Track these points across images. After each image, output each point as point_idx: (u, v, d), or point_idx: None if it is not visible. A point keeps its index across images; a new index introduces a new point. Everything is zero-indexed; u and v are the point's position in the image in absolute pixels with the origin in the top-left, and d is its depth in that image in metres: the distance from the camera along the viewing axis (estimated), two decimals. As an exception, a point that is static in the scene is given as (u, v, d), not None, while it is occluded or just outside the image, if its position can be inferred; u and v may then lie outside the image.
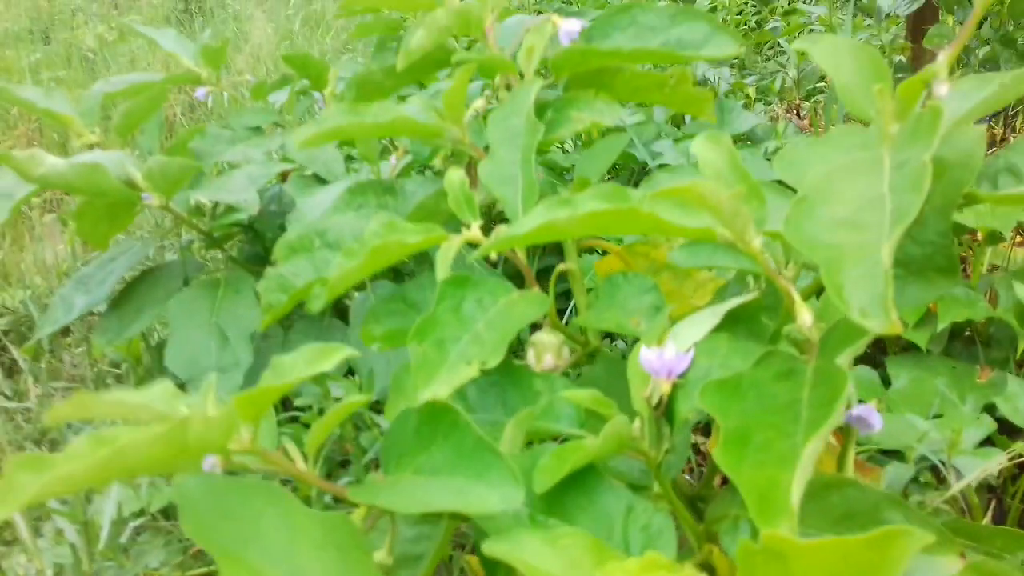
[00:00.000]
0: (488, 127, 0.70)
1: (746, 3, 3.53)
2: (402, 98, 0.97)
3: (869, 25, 2.53)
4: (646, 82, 0.79)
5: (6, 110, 3.45)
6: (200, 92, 1.31)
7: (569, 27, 0.77)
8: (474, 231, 0.61)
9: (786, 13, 3.48)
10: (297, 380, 0.48)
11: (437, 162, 0.82)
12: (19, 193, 0.99)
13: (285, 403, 1.09)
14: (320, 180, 1.26)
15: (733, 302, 0.48)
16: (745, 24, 3.58)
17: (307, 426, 1.00)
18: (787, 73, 2.81)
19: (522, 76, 0.76)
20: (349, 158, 1.51)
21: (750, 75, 2.96)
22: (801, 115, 2.37)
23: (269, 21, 7.02)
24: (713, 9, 3.64)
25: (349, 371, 1.14)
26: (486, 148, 0.72)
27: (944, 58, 0.45)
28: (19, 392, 1.51)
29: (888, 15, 2.03)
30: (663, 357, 0.47)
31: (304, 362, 0.49)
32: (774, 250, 0.48)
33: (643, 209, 0.44)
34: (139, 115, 1.08)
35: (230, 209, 1.13)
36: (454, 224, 0.68)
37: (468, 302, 0.60)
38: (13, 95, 1.05)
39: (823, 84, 2.61)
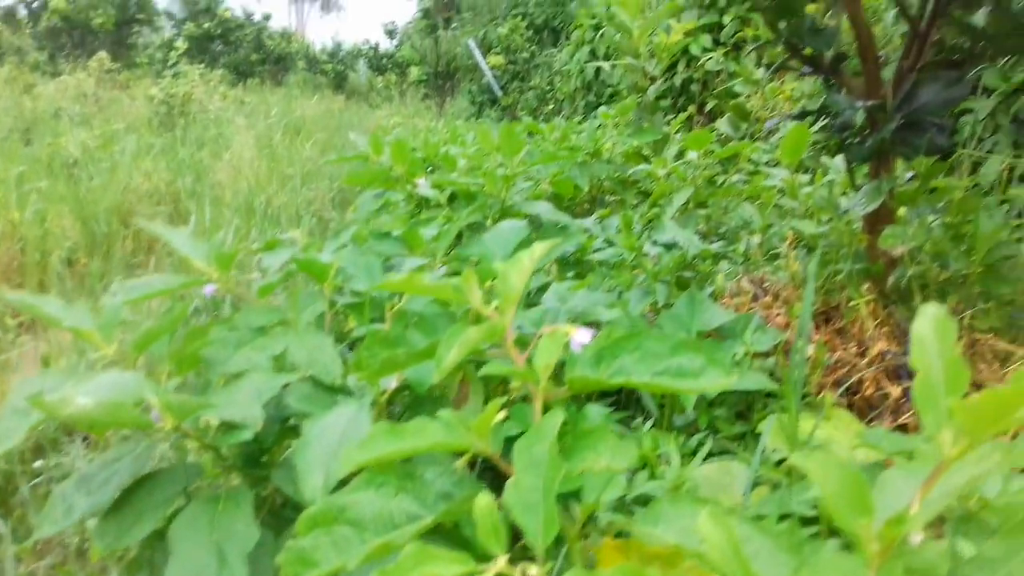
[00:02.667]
0: (515, 453, 0.78)
1: (710, 156, 3.71)
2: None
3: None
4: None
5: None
6: (208, 289, 1.38)
7: (581, 338, 0.87)
8: (501, 563, 0.68)
9: (751, 173, 3.68)
10: None
11: (459, 464, 0.88)
12: (36, 414, 1.05)
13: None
14: (317, 383, 1.32)
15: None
16: (713, 177, 3.75)
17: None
18: (751, 238, 2.95)
19: (538, 383, 0.85)
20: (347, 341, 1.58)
21: (716, 238, 3.12)
22: (765, 287, 2.50)
23: (250, 128, 7.18)
24: (681, 155, 3.84)
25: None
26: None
27: (915, 512, 0.54)
28: (-4, 560, 1.52)
29: (846, 210, 2.18)
30: None
31: None
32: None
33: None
34: (158, 333, 1.14)
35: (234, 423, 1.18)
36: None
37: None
38: (39, 310, 1.11)
39: (779, 250, 2.74)
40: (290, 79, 20.21)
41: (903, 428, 1.69)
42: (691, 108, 6.50)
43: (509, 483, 0.75)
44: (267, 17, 24.93)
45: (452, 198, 3.15)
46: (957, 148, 4.21)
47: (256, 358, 1.29)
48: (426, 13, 20.18)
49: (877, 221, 2.10)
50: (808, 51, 2.05)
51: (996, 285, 2.04)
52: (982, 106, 4.17)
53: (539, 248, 0.91)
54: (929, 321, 0.55)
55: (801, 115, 2.18)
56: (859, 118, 2.07)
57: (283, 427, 1.30)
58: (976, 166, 4.04)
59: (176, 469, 1.21)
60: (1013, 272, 2.21)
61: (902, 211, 2.28)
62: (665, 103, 7.09)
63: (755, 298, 2.46)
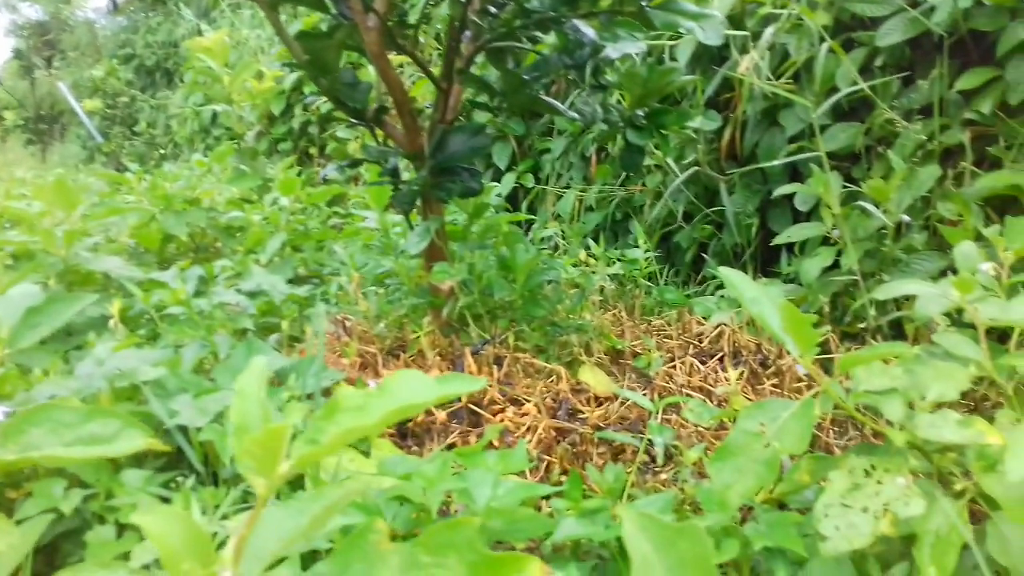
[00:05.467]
0: None
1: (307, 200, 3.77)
2: None
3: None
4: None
5: None
6: None
7: (-8, 414, 0.84)
8: None
9: (345, 216, 3.82)
10: None
11: None
12: None
13: None
14: None
15: None
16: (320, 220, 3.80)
17: None
18: (342, 279, 3.03)
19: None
20: None
21: (317, 280, 3.18)
22: (347, 327, 2.58)
23: None
24: (302, 211, 3.85)
25: None
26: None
27: (229, 555, 0.59)
28: None
29: (404, 252, 2.34)
30: None
31: None
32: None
33: None
34: None
35: None
36: None
37: None
38: None
39: (374, 288, 2.87)
40: None
41: (451, 448, 1.84)
42: (313, 150, 6.60)
43: None
44: None
45: (17, 258, 2.89)
46: (540, 184, 4.72)
47: None
48: (19, 53, 18.19)
49: (432, 258, 2.28)
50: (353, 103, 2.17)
51: (534, 309, 2.31)
52: (557, 145, 4.71)
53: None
54: (252, 375, 0.62)
55: (353, 163, 2.31)
56: (402, 166, 2.25)
57: None
58: (559, 198, 4.56)
59: None
60: (555, 295, 2.52)
61: (454, 247, 2.50)
62: (286, 145, 7.12)
63: (337, 338, 2.54)
